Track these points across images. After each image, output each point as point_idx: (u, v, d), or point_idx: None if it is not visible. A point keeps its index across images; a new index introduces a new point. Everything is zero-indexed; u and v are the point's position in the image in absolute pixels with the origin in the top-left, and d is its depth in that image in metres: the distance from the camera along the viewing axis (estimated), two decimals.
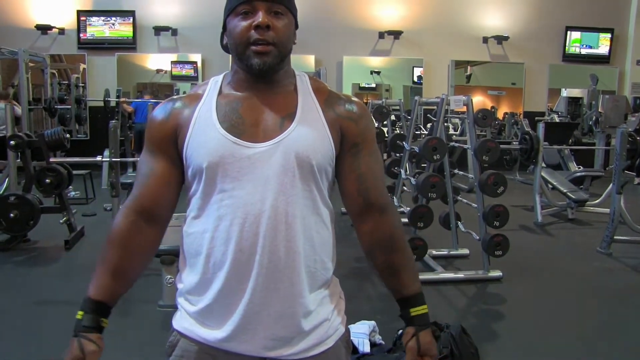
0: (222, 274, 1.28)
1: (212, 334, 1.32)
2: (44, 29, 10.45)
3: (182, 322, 1.38)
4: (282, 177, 1.27)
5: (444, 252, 5.21)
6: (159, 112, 1.37)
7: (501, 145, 5.10)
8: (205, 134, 1.29)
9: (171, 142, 1.34)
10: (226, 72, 1.41)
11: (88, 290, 1.34)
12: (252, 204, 1.26)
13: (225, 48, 1.39)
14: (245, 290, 1.27)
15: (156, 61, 11.00)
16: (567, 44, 11.78)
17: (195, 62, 10.88)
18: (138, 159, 5.59)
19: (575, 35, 11.79)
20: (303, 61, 10.60)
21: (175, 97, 1.40)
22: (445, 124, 7.31)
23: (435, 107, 5.12)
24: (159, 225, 1.41)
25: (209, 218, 1.30)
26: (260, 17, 1.27)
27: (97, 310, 1.33)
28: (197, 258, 1.32)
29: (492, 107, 11.57)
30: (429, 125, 7.25)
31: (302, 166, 1.28)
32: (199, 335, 1.33)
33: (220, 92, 1.36)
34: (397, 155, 5.93)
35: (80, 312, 1.32)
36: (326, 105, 1.36)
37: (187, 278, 1.37)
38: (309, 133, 1.30)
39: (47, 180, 5.35)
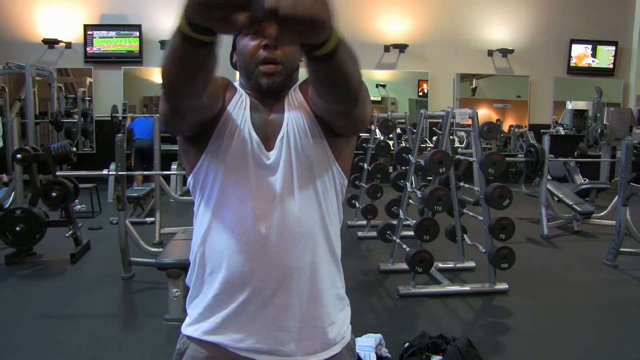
0: (229, 269, 1.31)
1: (219, 324, 1.33)
2: (50, 43, 10.51)
3: (190, 326, 1.40)
4: (287, 176, 1.32)
5: (450, 264, 5.20)
6: (231, 83, 1.41)
7: (507, 158, 5.10)
8: (235, 126, 1.32)
9: (218, 100, 1.32)
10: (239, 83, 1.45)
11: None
12: (264, 199, 1.30)
13: (235, 66, 1.44)
14: (253, 284, 1.30)
15: None
16: (571, 57, 11.82)
17: None
18: (142, 173, 5.59)
19: (578, 50, 11.83)
20: None
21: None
22: (451, 137, 7.31)
23: (440, 120, 5.13)
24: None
25: (219, 216, 1.33)
26: None
27: None
28: (209, 254, 1.34)
29: (498, 120, 11.59)
30: (434, 138, 7.26)
31: (304, 160, 1.33)
32: (205, 331, 1.35)
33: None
34: (403, 168, 5.92)
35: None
36: (303, 90, 1.39)
37: (196, 278, 1.39)
38: (300, 127, 1.34)
39: (53, 194, 5.38)
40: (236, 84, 1.43)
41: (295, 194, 1.31)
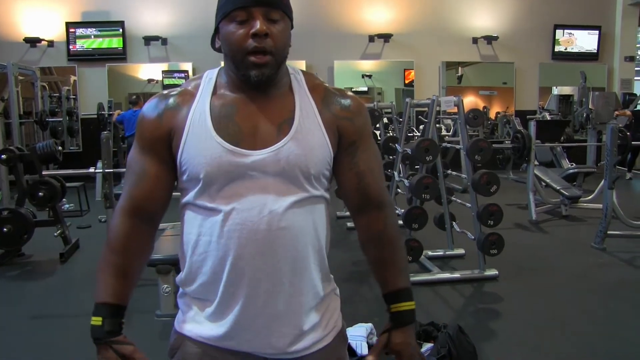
0: (222, 276, 1.28)
1: (214, 331, 1.32)
2: (32, 41, 10.43)
3: (183, 324, 1.38)
4: (279, 184, 1.26)
5: (440, 252, 5.22)
6: (151, 110, 1.33)
7: (494, 145, 5.12)
8: (201, 141, 1.26)
9: (164, 144, 1.31)
10: (221, 68, 1.37)
11: (98, 296, 1.32)
12: (251, 210, 1.25)
13: (218, 50, 1.36)
14: (245, 292, 1.28)
15: (147, 71, 10.99)
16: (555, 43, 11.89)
17: (187, 71, 10.88)
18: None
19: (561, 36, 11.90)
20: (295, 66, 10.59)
21: (165, 92, 1.36)
22: (437, 125, 7.33)
23: (426, 109, 5.14)
24: (154, 224, 1.40)
25: (206, 225, 1.29)
26: (258, 25, 1.23)
27: (116, 313, 1.32)
28: (198, 262, 1.31)
29: (485, 107, 11.62)
30: (421, 126, 7.27)
31: (300, 173, 1.27)
32: (200, 335, 1.33)
33: (214, 92, 1.32)
34: (390, 157, 5.94)
35: (97, 318, 1.30)
36: (323, 105, 1.34)
37: (188, 282, 1.36)
38: (306, 140, 1.29)
39: (40, 194, 5.33)
40: (214, 73, 1.36)
41: (284, 200, 1.27)
